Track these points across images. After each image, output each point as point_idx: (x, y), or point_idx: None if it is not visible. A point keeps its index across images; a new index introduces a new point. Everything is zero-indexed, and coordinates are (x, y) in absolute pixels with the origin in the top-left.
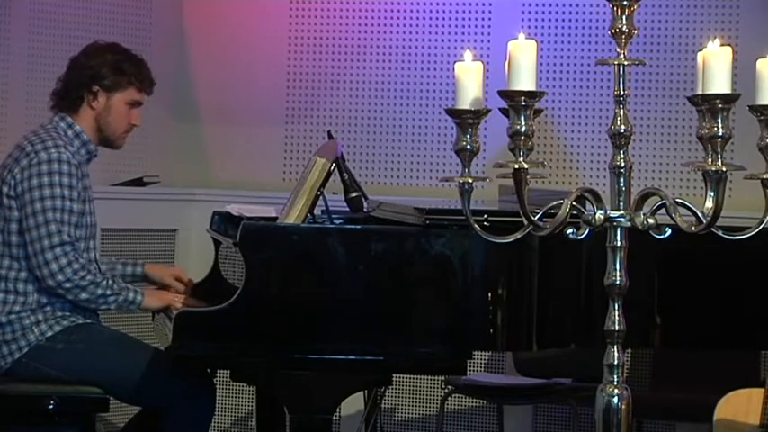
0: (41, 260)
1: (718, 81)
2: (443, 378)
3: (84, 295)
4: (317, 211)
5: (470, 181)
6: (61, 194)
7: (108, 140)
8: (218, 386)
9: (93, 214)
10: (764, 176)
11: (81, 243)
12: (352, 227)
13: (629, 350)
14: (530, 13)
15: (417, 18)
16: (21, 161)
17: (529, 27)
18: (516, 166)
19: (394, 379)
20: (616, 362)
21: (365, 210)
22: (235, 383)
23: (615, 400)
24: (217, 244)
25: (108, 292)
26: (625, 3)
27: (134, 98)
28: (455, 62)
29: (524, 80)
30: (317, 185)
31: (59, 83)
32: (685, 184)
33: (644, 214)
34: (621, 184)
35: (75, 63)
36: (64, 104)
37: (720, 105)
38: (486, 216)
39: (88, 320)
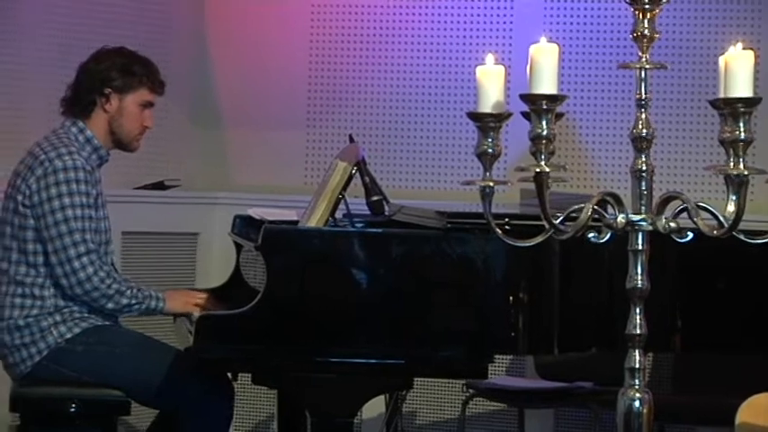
0: (69, 269)
1: (740, 85)
2: (464, 382)
3: (110, 305)
4: (338, 215)
5: (492, 184)
6: (80, 203)
7: (122, 143)
8: (239, 389)
9: (107, 219)
10: None
11: (100, 248)
12: (374, 230)
13: (651, 354)
14: (551, 16)
15: (439, 22)
16: (35, 170)
17: (550, 31)
18: (537, 170)
19: (415, 382)
20: (637, 365)
21: (386, 213)
22: (256, 387)
23: (637, 403)
24: (238, 247)
25: (133, 301)
26: (647, 6)
27: (146, 99)
28: (477, 66)
29: (546, 84)
30: (338, 189)
31: (69, 90)
32: (707, 188)
33: (665, 218)
34: (643, 188)
35: (83, 69)
36: (76, 110)
37: (742, 109)
38: (507, 219)
39: (107, 322)
